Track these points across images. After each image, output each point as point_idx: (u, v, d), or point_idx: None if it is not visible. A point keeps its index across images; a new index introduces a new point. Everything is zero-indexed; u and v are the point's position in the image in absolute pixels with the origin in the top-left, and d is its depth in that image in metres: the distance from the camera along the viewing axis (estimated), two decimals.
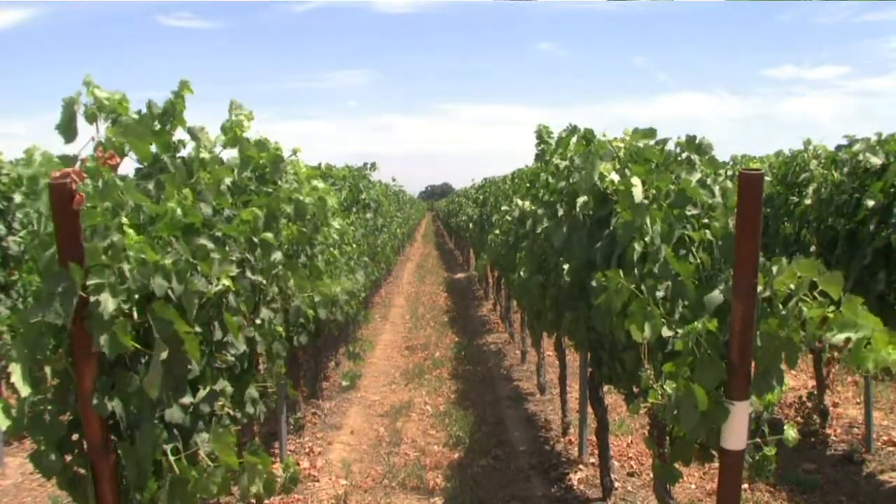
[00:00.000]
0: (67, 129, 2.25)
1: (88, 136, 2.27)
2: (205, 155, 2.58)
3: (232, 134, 2.76)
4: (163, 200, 2.43)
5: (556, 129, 4.88)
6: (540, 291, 4.50)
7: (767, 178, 5.88)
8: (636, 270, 2.71)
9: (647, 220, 2.72)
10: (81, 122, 2.28)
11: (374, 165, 9.44)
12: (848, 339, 2.00)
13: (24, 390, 2.03)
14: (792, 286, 2.14)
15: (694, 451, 2.38)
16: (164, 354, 2.12)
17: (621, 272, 2.63)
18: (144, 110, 2.50)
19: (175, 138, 2.61)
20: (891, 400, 6.37)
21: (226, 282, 2.51)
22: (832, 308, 2.07)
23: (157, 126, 2.51)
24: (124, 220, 2.21)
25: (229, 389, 2.68)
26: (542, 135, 4.92)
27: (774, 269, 2.16)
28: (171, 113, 2.55)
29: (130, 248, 2.14)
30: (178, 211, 2.39)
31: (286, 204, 3.96)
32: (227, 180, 2.81)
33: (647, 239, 2.72)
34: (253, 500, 2.57)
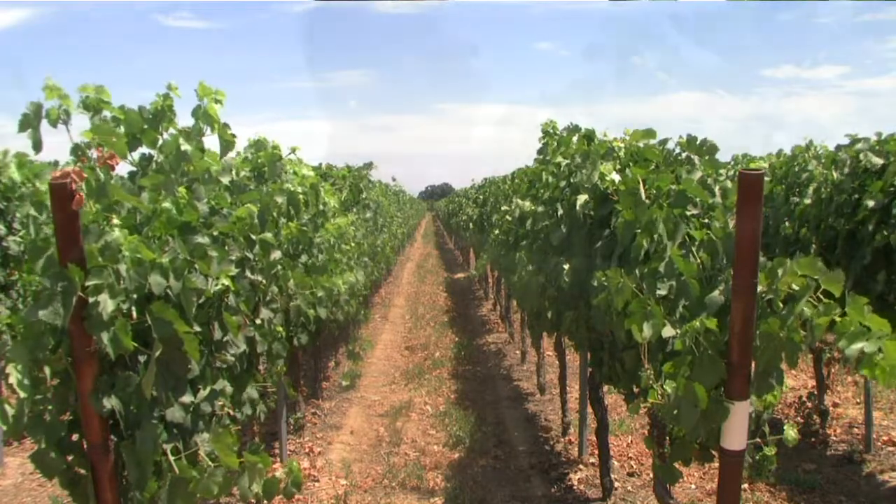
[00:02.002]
0: (32, 137, 2.25)
1: (65, 139, 2.27)
2: (186, 147, 2.56)
3: (205, 119, 2.71)
4: (160, 199, 2.43)
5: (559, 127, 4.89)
6: (540, 291, 4.50)
7: (767, 179, 5.88)
8: (637, 270, 2.71)
9: (659, 217, 2.71)
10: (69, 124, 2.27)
11: (370, 164, 9.45)
12: (861, 351, 1.99)
13: (23, 391, 2.03)
14: (795, 286, 2.13)
15: (694, 451, 2.37)
16: (158, 353, 2.12)
17: (622, 271, 2.63)
18: (134, 110, 2.49)
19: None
20: (891, 400, 6.37)
21: (225, 281, 2.51)
22: (837, 310, 2.06)
23: (146, 127, 2.50)
24: (116, 220, 2.20)
25: (229, 389, 2.68)
26: (547, 130, 4.92)
27: (780, 270, 2.15)
28: (162, 114, 2.54)
29: (126, 248, 2.14)
30: (174, 210, 2.38)
31: (279, 195, 3.96)
32: (226, 180, 2.81)
33: (655, 236, 2.72)
34: (253, 501, 2.57)
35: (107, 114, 2.37)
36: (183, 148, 2.54)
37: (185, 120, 2.71)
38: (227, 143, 2.79)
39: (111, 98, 2.38)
